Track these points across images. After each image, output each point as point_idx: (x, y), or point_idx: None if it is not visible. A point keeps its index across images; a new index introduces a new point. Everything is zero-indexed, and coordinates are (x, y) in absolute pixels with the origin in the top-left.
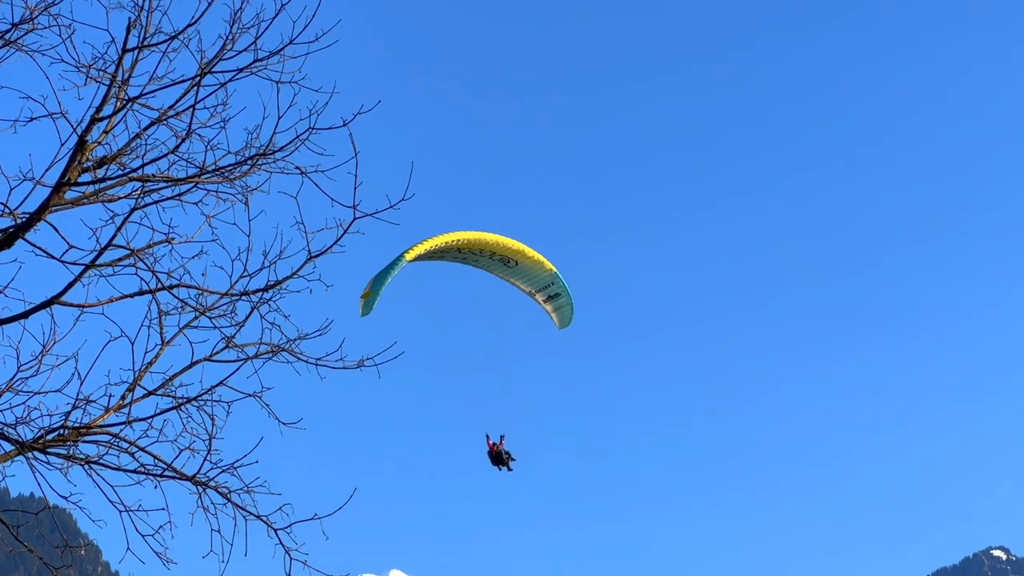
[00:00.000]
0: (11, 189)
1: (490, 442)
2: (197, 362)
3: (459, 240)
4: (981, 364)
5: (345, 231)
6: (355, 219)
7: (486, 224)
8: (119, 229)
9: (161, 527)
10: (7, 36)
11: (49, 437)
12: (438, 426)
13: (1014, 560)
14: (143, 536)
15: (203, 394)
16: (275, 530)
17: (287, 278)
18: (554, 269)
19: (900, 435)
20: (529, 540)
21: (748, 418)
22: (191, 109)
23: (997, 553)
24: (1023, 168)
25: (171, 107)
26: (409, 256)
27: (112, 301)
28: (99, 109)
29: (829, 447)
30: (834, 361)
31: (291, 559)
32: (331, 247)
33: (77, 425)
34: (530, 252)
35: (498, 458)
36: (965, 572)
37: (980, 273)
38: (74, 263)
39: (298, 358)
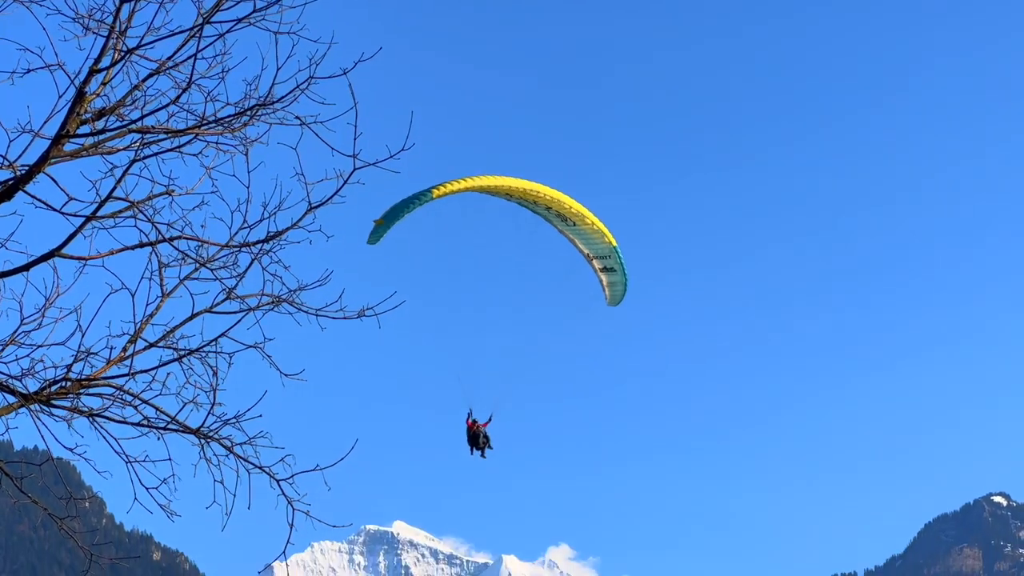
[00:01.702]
0: (10, 141)
1: (469, 420)
2: (198, 314)
3: (506, 187)
4: (979, 316)
5: (345, 181)
6: (355, 169)
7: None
8: (119, 181)
9: (165, 479)
10: None
11: (52, 389)
12: (440, 377)
13: (1014, 506)
14: (147, 488)
15: (205, 346)
16: (278, 481)
17: (287, 229)
18: (614, 243)
19: (902, 386)
20: (532, 489)
21: (761, 378)
22: (190, 60)
23: (997, 499)
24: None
25: (170, 58)
26: (436, 193)
27: (113, 253)
28: (97, 60)
29: (835, 399)
30: (839, 321)
31: (294, 510)
32: (331, 197)
33: (80, 377)
34: (591, 218)
35: (475, 439)
36: (966, 518)
37: (977, 225)
38: (74, 215)
39: (299, 309)
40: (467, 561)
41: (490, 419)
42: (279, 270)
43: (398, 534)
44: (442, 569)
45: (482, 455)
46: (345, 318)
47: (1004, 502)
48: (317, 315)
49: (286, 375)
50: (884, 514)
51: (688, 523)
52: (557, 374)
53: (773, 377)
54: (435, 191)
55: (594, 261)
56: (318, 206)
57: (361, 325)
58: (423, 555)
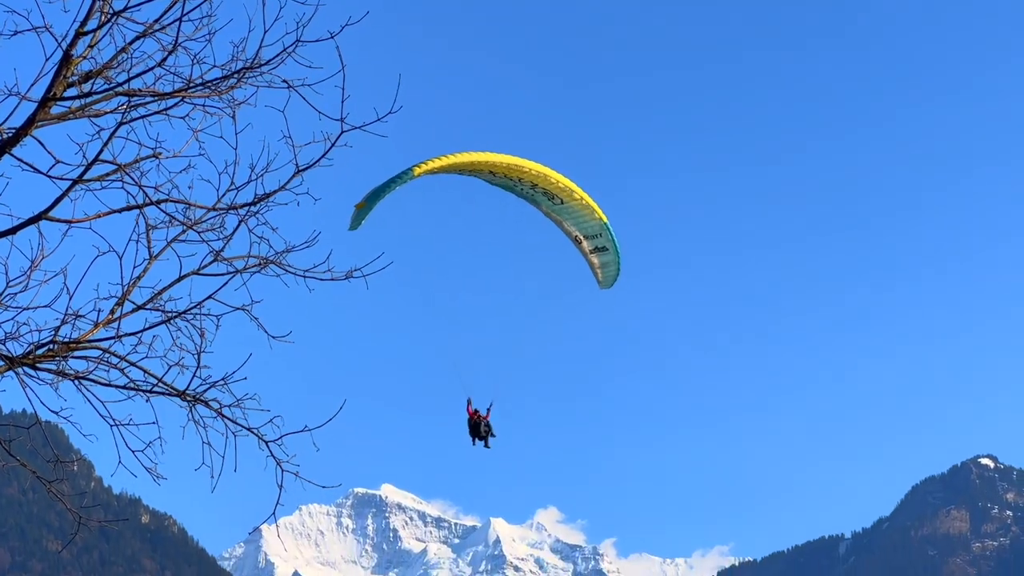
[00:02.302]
0: None
1: (471, 409)
2: (185, 276)
3: (490, 163)
4: (967, 281)
5: (333, 144)
6: (343, 132)
7: (479, 143)
8: (106, 144)
9: (152, 442)
10: None
11: (39, 352)
12: (429, 338)
13: (1002, 468)
14: (134, 451)
15: (192, 308)
16: (266, 442)
17: (275, 191)
18: (605, 219)
19: (891, 350)
20: (520, 452)
21: (756, 349)
22: (177, 22)
23: (985, 461)
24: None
25: (156, 20)
26: (418, 171)
27: (99, 216)
28: (84, 23)
29: (823, 364)
30: (827, 289)
31: (283, 471)
32: (319, 160)
33: (66, 340)
34: (579, 193)
35: (475, 429)
36: (953, 480)
37: (959, 194)
38: (61, 178)
39: (286, 270)
40: (455, 524)
41: (490, 408)
42: (266, 232)
43: (386, 497)
44: (430, 532)
45: (485, 445)
46: (333, 280)
47: (991, 464)
48: (305, 277)
49: (273, 337)
50: (872, 477)
51: (675, 487)
52: (545, 340)
53: (761, 345)
54: (416, 169)
55: (584, 243)
56: (305, 168)
57: (349, 287)
58: (411, 518)
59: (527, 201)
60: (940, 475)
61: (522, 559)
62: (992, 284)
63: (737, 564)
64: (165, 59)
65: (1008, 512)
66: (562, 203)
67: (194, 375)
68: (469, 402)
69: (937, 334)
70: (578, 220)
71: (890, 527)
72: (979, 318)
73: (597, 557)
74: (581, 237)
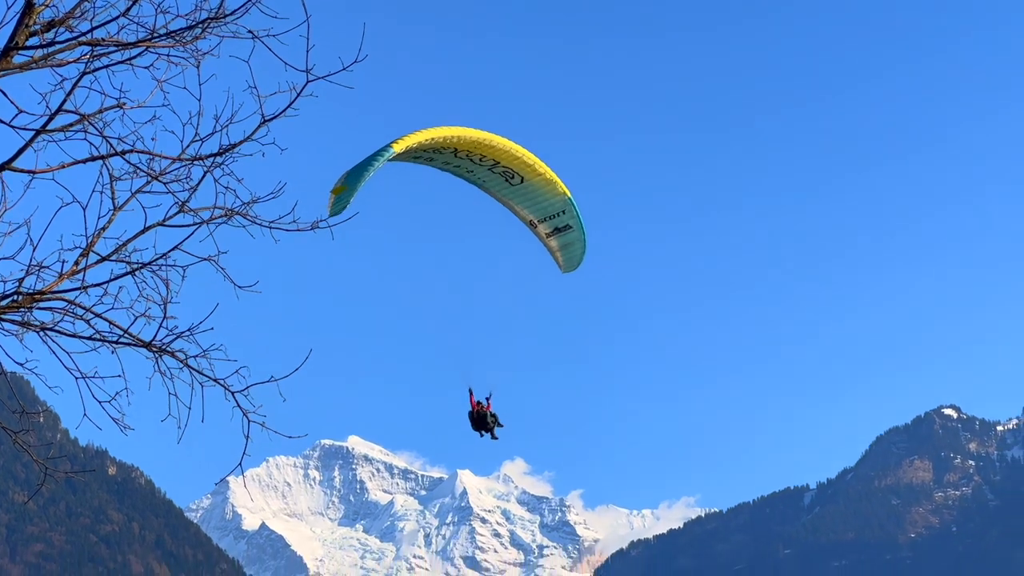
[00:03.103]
0: None
1: (473, 400)
2: (150, 227)
3: (458, 138)
4: (930, 231)
5: (298, 95)
6: (308, 82)
7: (445, 100)
8: (69, 94)
9: (118, 393)
10: None
11: (3, 303)
12: (397, 289)
13: (964, 418)
14: (100, 402)
15: (157, 259)
16: (232, 393)
17: (240, 142)
18: (568, 194)
19: (855, 301)
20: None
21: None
22: None
23: (948, 412)
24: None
25: None
26: (397, 148)
27: (63, 167)
28: None
29: (788, 314)
30: (791, 238)
31: (249, 422)
32: (284, 111)
33: (31, 291)
34: (542, 167)
35: (481, 421)
36: (917, 430)
37: (927, 145)
38: (24, 128)
39: (252, 221)
40: (422, 476)
41: (489, 397)
42: (232, 183)
43: (353, 449)
44: (397, 484)
45: (492, 436)
46: (299, 230)
47: (954, 414)
48: (271, 228)
49: (240, 287)
50: (836, 428)
51: (642, 439)
52: (514, 294)
53: (727, 298)
54: (395, 145)
55: (539, 226)
56: (271, 119)
57: (315, 237)
58: (378, 470)
59: (478, 186)
60: (904, 425)
61: (489, 511)
62: (955, 237)
63: (703, 515)
64: (129, 9)
65: (971, 462)
66: (522, 182)
67: (160, 326)
68: (471, 393)
69: (901, 286)
70: (537, 200)
71: (854, 477)
72: (942, 270)
73: (564, 509)
74: (536, 220)
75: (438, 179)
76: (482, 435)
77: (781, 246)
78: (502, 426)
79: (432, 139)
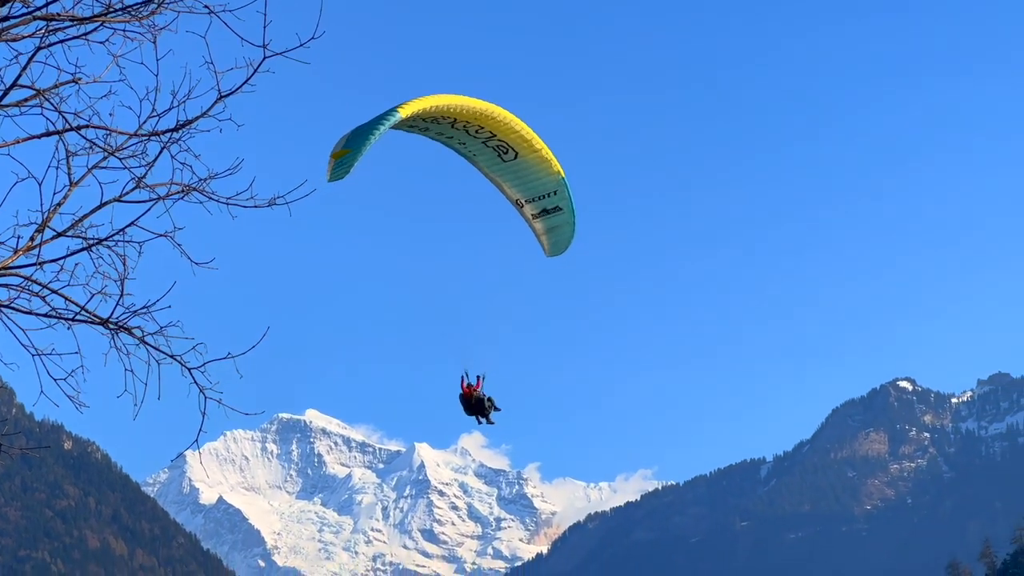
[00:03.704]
0: None
1: (465, 384)
2: (107, 203)
3: (460, 107)
4: (884, 203)
5: (255, 71)
6: (265, 58)
7: (403, 77)
8: (24, 69)
9: (74, 371)
10: None
11: None
12: (353, 264)
13: (919, 391)
14: (55, 380)
15: (114, 235)
16: (189, 370)
17: (197, 118)
18: (562, 174)
19: (810, 272)
20: (443, 377)
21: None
22: None
23: (903, 384)
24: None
25: None
26: (403, 112)
27: (19, 142)
28: None
29: (744, 285)
30: (748, 206)
31: (206, 398)
32: (241, 86)
33: None
34: (538, 143)
35: (474, 406)
36: (872, 403)
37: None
38: None
39: (209, 197)
40: (380, 449)
41: (479, 379)
42: (189, 159)
43: (311, 422)
44: (355, 457)
45: (489, 421)
46: (256, 207)
47: (909, 387)
48: (228, 204)
49: (197, 264)
50: (793, 401)
51: (599, 412)
52: (473, 264)
53: (681, 271)
54: (401, 110)
55: (526, 207)
56: (228, 95)
57: (272, 213)
58: (336, 443)
59: (467, 159)
60: (860, 398)
61: (446, 484)
62: (911, 209)
63: (660, 488)
64: None
65: (925, 434)
66: (515, 158)
67: (117, 303)
68: (464, 377)
69: (857, 258)
70: (528, 178)
71: (810, 450)
72: (899, 243)
73: (521, 482)
74: (523, 200)
75: (396, 151)
76: (480, 422)
77: (737, 221)
78: (499, 410)
79: (436, 106)
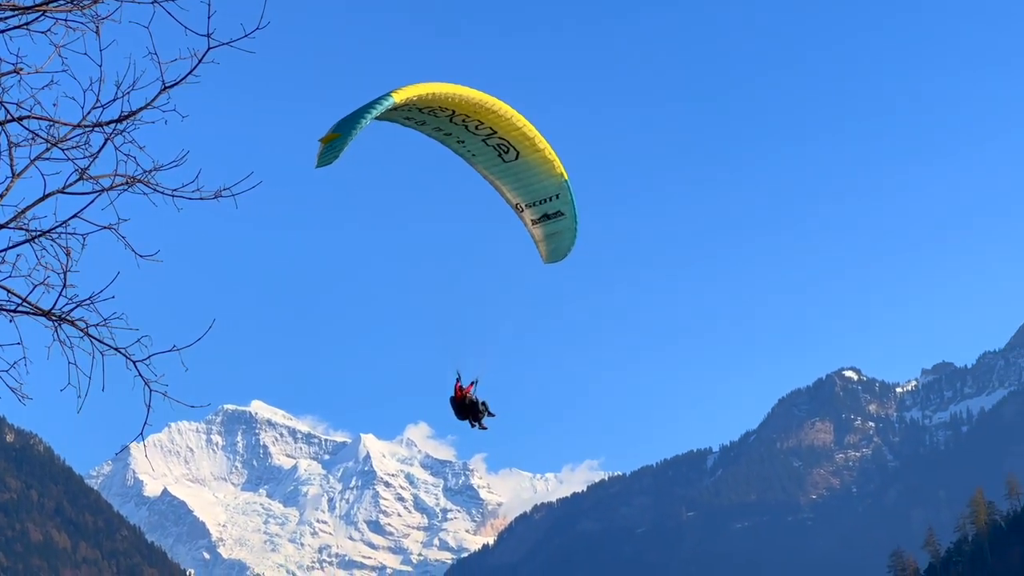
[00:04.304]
0: None
1: (458, 386)
2: (50, 194)
3: (460, 98)
4: (831, 193)
5: (200, 61)
6: (209, 48)
7: (349, 69)
8: None
9: (16, 363)
10: None
11: None
12: (298, 256)
13: (864, 380)
14: None
15: (57, 227)
16: (134, 362)
17: (141, 109)
18: (565, 176)
19: (755, 262)
20: (390, 368)
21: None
22: None
23: (848, 374)
24: None
25: None
26: (397, 98)
27: None
28: None
29: (690, 274)
30: (699, 197)
31: (151, 391)
32: (185, 77)
33: None
34: (541, 143)
35: (467, 409)
36: (818, 392)
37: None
38: None
39: (154, 189)
40: (325, 440)
41: (473, 383)
42: (133, 150)
43: (256, 414)
44: (300, 448)
45: (481, 426)
46: (202, 199)
47: (855, 376)
48: (173, 196)
49: (141, 256)
50: (739, 391)
51: (544, 403)
52: (416, 255)
53: (628, 258)
54: (395, 95)
55: (526, 212)
56: (172, 86)
57: (218, 206)
58: (281, 434)
59: (465, 159)
60: (805, 387)
61: (392, 475)
62: (856, 203)
63: (606, 478)
64: None
65: (870, 423)
66: (516, 158)
67: (60, 295)
68: (458, 378)
69: (801, 249)
70: (530, 180)
71: (756, 440)
72: (845, 231)
73: (467, 473)
74: (524, 205)
75: (362, 141)
76: (474, 426)
77: (681, 214)
78: (493, 415)
79: (433, 94)
